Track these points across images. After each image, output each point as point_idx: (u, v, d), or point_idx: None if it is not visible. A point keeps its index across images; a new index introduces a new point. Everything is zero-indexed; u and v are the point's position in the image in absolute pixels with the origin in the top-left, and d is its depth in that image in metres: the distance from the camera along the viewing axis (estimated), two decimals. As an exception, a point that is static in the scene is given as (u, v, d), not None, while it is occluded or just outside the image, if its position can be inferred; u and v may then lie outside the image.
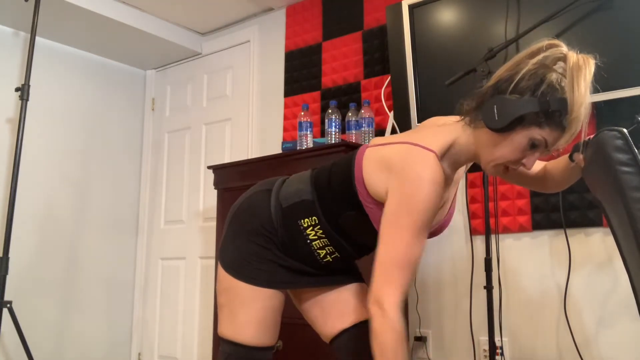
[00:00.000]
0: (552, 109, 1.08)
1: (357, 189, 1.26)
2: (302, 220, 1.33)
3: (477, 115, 1.18)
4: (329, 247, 1.35)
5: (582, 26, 1.97)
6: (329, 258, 1.37)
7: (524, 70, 1.11)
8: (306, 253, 1.36)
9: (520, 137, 1.12)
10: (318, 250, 1.35)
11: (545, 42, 1.14)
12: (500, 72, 1.17)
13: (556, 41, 1.14)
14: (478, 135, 1.19)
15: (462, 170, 1.36)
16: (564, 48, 1.12)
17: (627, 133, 1.10)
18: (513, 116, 1.09)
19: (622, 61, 1.90)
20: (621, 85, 1.90)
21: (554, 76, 1.10)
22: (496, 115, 1.11)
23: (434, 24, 2.35)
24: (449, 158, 1.23)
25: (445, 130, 1.23)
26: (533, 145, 1.12)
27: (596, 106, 2.08)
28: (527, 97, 1.10)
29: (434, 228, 1.34)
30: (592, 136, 1.21)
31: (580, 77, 1.07)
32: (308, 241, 1.34)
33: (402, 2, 2.43)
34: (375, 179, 1.22)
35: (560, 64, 1.12)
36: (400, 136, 1.27)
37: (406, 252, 1.15)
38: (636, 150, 1.08)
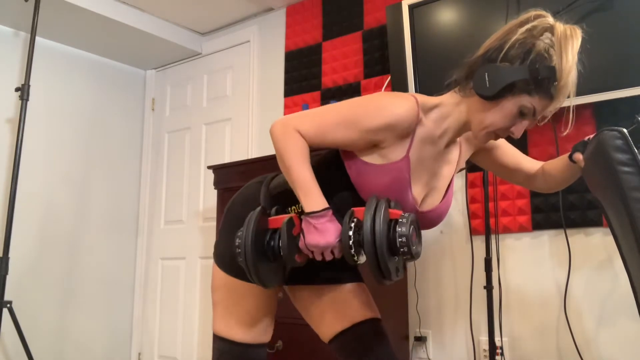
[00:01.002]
0: (541, 77, 1.10)
1: (343, 158, 1.26)
2: (290, 208, 1.33)
3: (467, 83, 1.20)
4: None
5: (582, 26, 1.97)
6: None
7: (513, 39, 1.13)
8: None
9: (510, 105, 1.14)
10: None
11: (532, 13, 1.16)
12: (490, 41, 1.19)
13: (543, 12, 1.16)
14: (468, 104, 1.21)
15: (458, 149, 1.35)
16: (550, 19, 1.15)
17: (627, 133, 1.10)
18: (503, 83, 1.11)
19: (622, 61, 1.90)
20: (621, 85, 1.89)
21: (542, 45, 1.12)
22: (487, 82, 1.13)
23: (434, 24, 2.35)
24: (434, 116, 1.23)
25: (434, 96, 1.26)
26: (522, 113, 1.15)
27: (596, 106, 2.08)
28: (517, 65, 1.12)
29: (429, 210, 1.31)
30: (592, 136, 1.21)
31: (568, 46, 1.09)
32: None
33: (402, 2, 2.43)
34: None
35: (547, 34, 1.14)
36: None
37: (327, 122, 1.18)
38: (636, 150, 1.08)
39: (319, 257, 1.17)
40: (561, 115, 1.17)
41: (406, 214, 1.11)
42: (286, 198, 1.33)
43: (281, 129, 1.18)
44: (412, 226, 1.09)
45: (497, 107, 1.15)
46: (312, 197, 1.16)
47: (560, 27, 1.12)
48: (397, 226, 1.08)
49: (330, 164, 1.29)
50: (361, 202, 1.25)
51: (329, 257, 1.16)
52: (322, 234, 1.14)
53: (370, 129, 1.16)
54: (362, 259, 1.12)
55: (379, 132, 1.17)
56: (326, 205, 1.16)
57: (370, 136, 1.18)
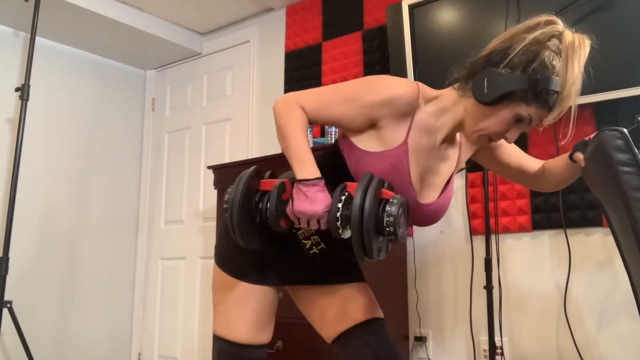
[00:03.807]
0: (540, 88, 1.09)
1: (342, 149, 1.26)
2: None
3: (466, 84, 1.19)
4: (314, 237, 1.33)
5: (582, 26, 1.97)
6: (315, 249, 1.34)
7: (519, 46, 1.11)
8: (294, 245, 1.35)
9: (506, 112, 1.13)
10: (303, 241, 1.34)
11: (543, 18, 1.14)
12: (495, 43, 1.17)
13: (554, 18, 1.14)
14: (465, 104, 1.20)
15: (457, 147, 1.34)
16: (560, 26, 1.13)
17: (627, 133, 1.10)
18: (502, 91, 1.10)
19: (622, 61, 1.90)
20: (621, 85, 1.90)
21: (546, 54, 1.10)
22: (485, 88, 1.12)
23: (434, 24, 2.35)
24: (433, 108, 1.24)
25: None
26: (518, 120, 1.14)
27: (596, 106, 2.08)
28: (518, 73, 1.10)
29: (428, 204, 1.30)
30: (592, 136, 1.21)
31: (574, 57, 1.08)
32: (294, 230, 1.33)
33: (402, 2, 2.43)
34: None
35: (555, 41, 1.12)
36: None
37: (327, 99, 1.21)
38: (636, 150, 1.08)
39: (304, 225, 1.16)
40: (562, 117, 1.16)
41: (397, 196, 1.11)
42: None
43: (283, 103, 1.22)
44: (401, 208, 1.09)
45: (493, 112, 1.14)
46: (305, 165, 1.16)
47: (569, 35, 1.10)
48: (387, 205, 1.08)
49: (332, 160, 1.29)
50: None
51: (314, 227, 1.15)
52: (312, 202, 1.13)
53: (368, 104, 1.18)
54: (347, 233, 1.11)
55: (377, 107, 1.17)
56: (319, 175, 1.16)
57: (368, 111, 1.19)
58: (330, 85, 1.26)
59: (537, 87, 1.08)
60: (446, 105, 1.24)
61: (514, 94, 1.10)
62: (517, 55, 1.11)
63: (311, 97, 1.22)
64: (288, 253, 1.37)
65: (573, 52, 1.08)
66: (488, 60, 1.15)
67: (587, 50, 1.10)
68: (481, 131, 1.18)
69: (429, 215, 1.33)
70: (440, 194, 1.33)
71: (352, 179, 1.24)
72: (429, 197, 1.31)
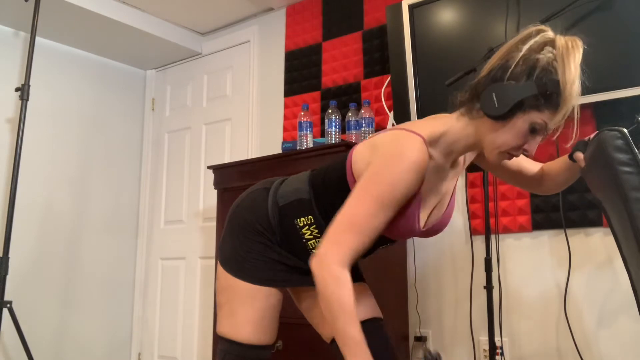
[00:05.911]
0: (549, 91, 1.09)
1: (349, 183, 1.26)
2: (298, 219, 1.34)
3: (472, 105, 1.19)
4: None
5: (582, 26, 1.97)
6: None
7: (518, 57, 1.12)
8: (302, 251, 1.37)
9: (520, 122, 1.13)
10: (313, 250, 1.35)
11: (533, 28, 1.15)
12: (493, 61, 1.18)
13: (543, 27, 1.16)
14: (477, 125, 1.19)
15: (460, 165, 1.36)
16: (550, 33, 1.14)
17: (627, 133, 1.10)
18: (513, 101, 1.11)
19: (622, 61, 1.90)
20: (621, 85, 1.89)
21: (545, 59, 1.11)
22: (495, 102, 1.12)
23: (434, 24, 2.35)
24: (441, 146, 1.23)
25: (438, 120, 1.24)
26: (533, 130, 1.14)
27: (596, 106, 2.08)
28: (524, 81, 1.11)
29: (432, 225, 1.33)
30: (592, 136, 1.21)
31: (570, 58, 1.09)
32: (304, 240, 1.35)
33: (402, 2, 2.43)
34: (360, 161, 1.23)
35: (548, 47, 1.13)
36: (392, 127, 1.28)
37: (365, 218, 1.14)
38: (636, 150, 1.08)
39: None
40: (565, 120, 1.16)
41: None
42: (294, 209, 1.34)
43: (324, 273, 1.14)
44: None
45: (508, 126, 1.14)
46: (360, 358, 1.14)
47: (561, 39, 1.12)
48: None
49: (341, 189, 1.28)
50: None
51: None
52: None
53: (405, 193, 1.15)
54: None
55: (414, 187, 1.16)
56: None
57: (406, 197, 1.16)
58: (350, 207, 1.16)
59: (546, 91, 1.09)
60: (455, 136, 1.22)
61: (524, 103, 1.11)
62: (518, 66, 1.12)
63: (346, 241, 1.14)
64: (297, 259, 1.38)
65: (568, 53, 1.09)
66: (491, 78, 1.15)
67: (581, 50, 1.11)
68: (500, 147, 1.17)
69: (436, 231, 1.36)
70: (446, 208, 1.34)
71: None
72: (437, 215, 1.34)
